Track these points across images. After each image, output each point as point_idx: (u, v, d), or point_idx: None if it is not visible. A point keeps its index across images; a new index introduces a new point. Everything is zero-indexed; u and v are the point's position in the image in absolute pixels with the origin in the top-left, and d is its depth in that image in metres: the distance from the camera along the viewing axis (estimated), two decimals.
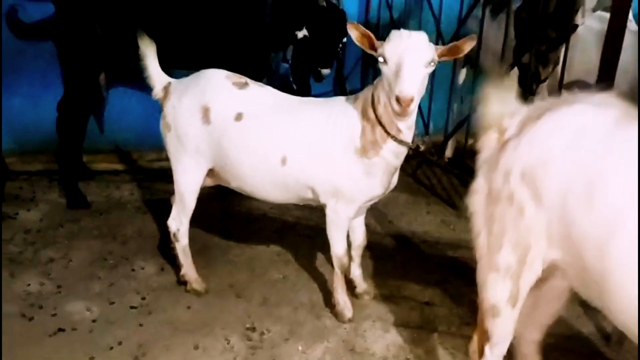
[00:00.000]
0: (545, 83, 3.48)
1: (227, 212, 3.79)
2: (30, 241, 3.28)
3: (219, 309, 2.76)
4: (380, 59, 2.26)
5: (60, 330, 2.54)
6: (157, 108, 2.77)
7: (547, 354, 2.18)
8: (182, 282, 2.90)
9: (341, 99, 2.58)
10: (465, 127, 4.12)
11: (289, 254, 3.32)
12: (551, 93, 3.56)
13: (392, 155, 2.43)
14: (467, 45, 2.30)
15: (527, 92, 3.43)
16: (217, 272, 3.07)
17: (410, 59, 2.18)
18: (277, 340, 2.57)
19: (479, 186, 1.83)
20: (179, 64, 3.58)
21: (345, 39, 3.79)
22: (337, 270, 2.69)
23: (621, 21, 2.58)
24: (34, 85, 4.14)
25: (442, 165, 4.46)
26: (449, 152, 4.65)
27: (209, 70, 2.73)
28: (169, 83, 2.73)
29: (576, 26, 3.30)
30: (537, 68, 3.35)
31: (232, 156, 2.59)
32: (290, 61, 3.98)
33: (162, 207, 3.38)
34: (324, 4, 3.72)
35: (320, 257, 3.26)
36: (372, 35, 2.32)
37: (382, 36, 2.34)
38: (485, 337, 1.88)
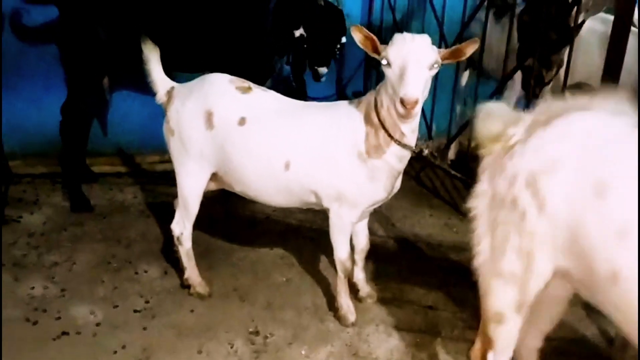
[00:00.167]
0: (549, 86, 3.47)
1: (230, 215, 3.79)
2: (34, 245, 3.28)
3: (222, 313, 2.76)
4: (384, 62, 2.26)
5: (64, 333, 2.55)
6: (160, 111, 2.77)
7: (550, 357, 2.17)
8: (185, 286, 2.91)
9: (344, 103, 2.58)
10: (468, 129, 4.11)
11: (292, 257, 3.32)
12: (554, 96, 3.55)
13: (396, 159, 2.43)
14: (470, 48, 2.30)
15: (530, 96, 3.42)
16: (220, 276, 3.07)
17: (414, 61, 2.19)
18: (281, 344, 2.57)
19: (482, 190, 1.82)
20: (182, 67, 3.60)
21: (344, 39, 3.78)
22: (341, 274, 2.69)
23: (626, 23, 2.57)
24: (37, 88, 4.15)
25: (445, 168, 4.45)
26: (452, 155, 4.65)
27: (212, 74, 2.73)
28: (173, 87, 2.73)
29: (582, 23, 3.26)
30: (541, 71, 3.34)
31: (235, 161, 2.59)
32: (290, 61, 3.97)
33: (165, 210, 3.39)
34: (322, 3, 3.70)
35: (323, 260, 3.26)
36: (375, 38, 2.32)
37: (385, 39, 2.34)
38: (488, 344, 1.86)
